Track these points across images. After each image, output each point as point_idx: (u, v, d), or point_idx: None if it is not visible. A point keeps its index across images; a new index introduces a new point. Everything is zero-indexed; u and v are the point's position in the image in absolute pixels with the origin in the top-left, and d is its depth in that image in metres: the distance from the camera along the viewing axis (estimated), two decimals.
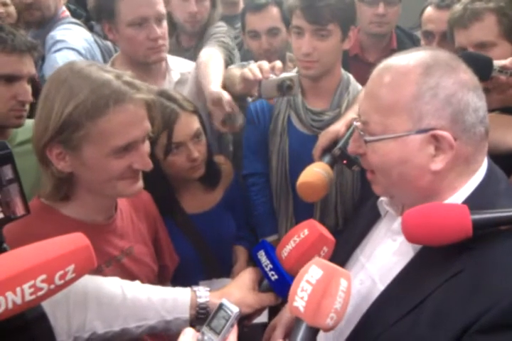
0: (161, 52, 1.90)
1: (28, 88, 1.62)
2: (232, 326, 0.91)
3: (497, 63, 1.41)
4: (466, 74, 1.01)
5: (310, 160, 1.59)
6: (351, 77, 1.91)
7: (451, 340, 0.88)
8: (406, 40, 2.55)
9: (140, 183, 1.26)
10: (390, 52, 2.07)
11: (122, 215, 1.39)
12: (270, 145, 1.88)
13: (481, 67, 1.04)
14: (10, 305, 0.74)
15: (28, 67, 1.61)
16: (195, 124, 1.68)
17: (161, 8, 1.85)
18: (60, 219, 1.24)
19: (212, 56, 1.98)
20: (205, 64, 1.92)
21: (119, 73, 1.20)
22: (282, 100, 1.88)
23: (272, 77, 1.57)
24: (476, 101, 0.99)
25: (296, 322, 0.94)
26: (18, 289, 0.74)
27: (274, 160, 1.89)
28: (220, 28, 2.31)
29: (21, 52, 1.57)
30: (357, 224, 1.32)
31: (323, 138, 1.63)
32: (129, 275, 1.31)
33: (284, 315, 1.35)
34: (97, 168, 1.18)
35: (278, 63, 1.60)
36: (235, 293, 1.17)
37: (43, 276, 0.76)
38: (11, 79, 1.57)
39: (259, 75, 1.56)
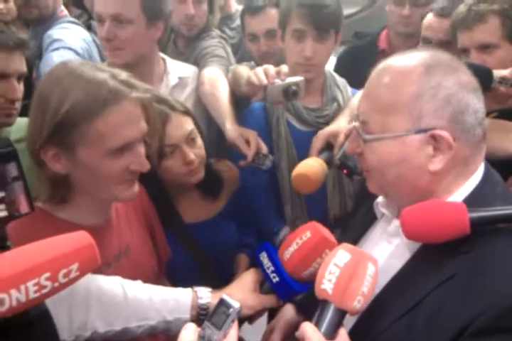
0: None
1: (17, 86, 1.60)
2: (232, 321, 0.90)
3: (497, 74, 1.43)
4: (467, 76, 1.02)
5: None
6: (333, 72, 2.01)
7: None
8: None
9: (136, 187, 1.24)
10: None
11: (118, 213, 1.37)
12: (277, 154, 1.86)
13: (481, 78, 1.05)
14: (14, 303, 0.74)
15: (17, 64, 1.58)
16: (188, 125, 1.59)
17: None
18: (56, 223, 1.21)
19: (216, 81, 1.95)
20: (211, 93, 1.90)
21: (115, 72, 1.18)
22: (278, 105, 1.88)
23: (278, 81, 1.56)
24: (475, 102, 1.00)
25: (323, 305, 0.95)
26: (22, 287, 0.74)
27: (284, 167, 1.87)
28: (212, 40, 2.30)
29: (9, 49, 1.54)
30: (353, 227, 1.32)
31: (318, 140, 1.69)
32: (129, 275, 1.28)
33: (282, 318, 1.35)
34: (93, 170, 1.16)
35: (284, 68, 1.60)
36: (236, 294, 1.16)
37: (47, 274, 0.75)
38: None
39: (265, 81, 1.55)
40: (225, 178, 1.81)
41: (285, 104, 1.85)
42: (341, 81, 1.97)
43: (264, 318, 1.32)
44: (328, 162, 1.59)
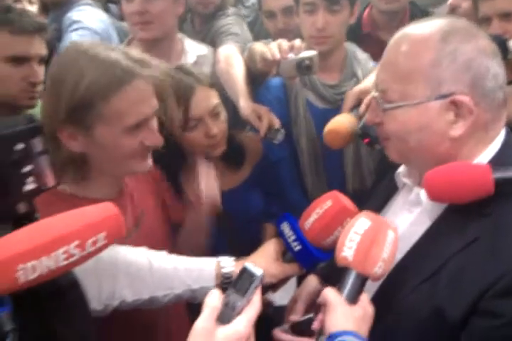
0: None
1: (38, 69, 1.63)
2: (256, 288, 0.90)
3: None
4: (485, 41, 1.01)
5: None
6: (356, 47, 1.95)
7: (469, 306, 0.90)
8: (420, 18, 2.47)
9: (150, 160, 1.28)
10: None
11: (131, 183, 1.41)
12: (295, 129, 1.88)
13: None
14: (44, 271, 0.75)
15: (37, 48, 1.61)
16: (214, 99, 1.62)
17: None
18: (73, 200, 1.23)
19: (231, 59, 1.94)
20: (226, 71, 1.89)
21: (126, 51, 1.21)
22: (296, 82, 1.88)
23: (292, 56, 1.57)
24: (495, 66, 0.99)
25: (344, 272, 0.96)
26: (53, 254, 0.75)
27: (303, 143, 1.88)
28: (228, 18, 2.29)
29: (29, 33, 1.57)
30: (375, 198, 1.32)
31: (349, 98, 1.69)
32: (145, 242, 1.29)
33: (305, 289, 1.37)
34: (109, 147, 1.19)
35: (297, 42, 1.60)
36: (260, 263, 1.17)
37: (76, 242, 0.77)
38: (19, 60, 1.59)
39: (278, 55, 1.56)
40: (248, 149, 1.83)
41: (301, 79, 1.85)
42: (363, 56, 1.94)
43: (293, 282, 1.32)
44: (360, 118, 1.59)
